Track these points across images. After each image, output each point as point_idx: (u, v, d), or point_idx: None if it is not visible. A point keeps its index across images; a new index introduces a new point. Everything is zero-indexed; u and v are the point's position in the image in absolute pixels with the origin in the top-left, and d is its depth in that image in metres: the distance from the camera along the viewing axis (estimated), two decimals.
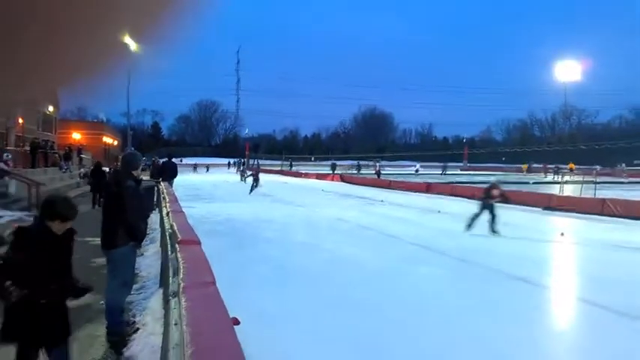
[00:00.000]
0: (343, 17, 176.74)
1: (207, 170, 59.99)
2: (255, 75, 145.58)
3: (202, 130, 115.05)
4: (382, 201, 21.02)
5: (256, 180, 24.29)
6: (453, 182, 30.81)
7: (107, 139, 60.83)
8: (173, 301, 2.56)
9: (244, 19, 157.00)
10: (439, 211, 16.88)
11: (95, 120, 68.03)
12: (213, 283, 2.83)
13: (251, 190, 23.02)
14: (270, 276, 7.49)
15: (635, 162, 52.97)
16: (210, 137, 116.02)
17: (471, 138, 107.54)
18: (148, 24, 0.78)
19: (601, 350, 4.76)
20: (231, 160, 69.71)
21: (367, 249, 9.98)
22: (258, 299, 6.02)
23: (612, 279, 7.64)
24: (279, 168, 59.44)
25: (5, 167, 17.51)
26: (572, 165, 44.27)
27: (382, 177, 37.52)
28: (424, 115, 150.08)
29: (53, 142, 37.03)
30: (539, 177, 43.78)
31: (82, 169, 29.54)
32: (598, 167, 43.85)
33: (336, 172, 46.30)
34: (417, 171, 54.26)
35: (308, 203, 20.04)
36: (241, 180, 35.98)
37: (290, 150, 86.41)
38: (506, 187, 13.09)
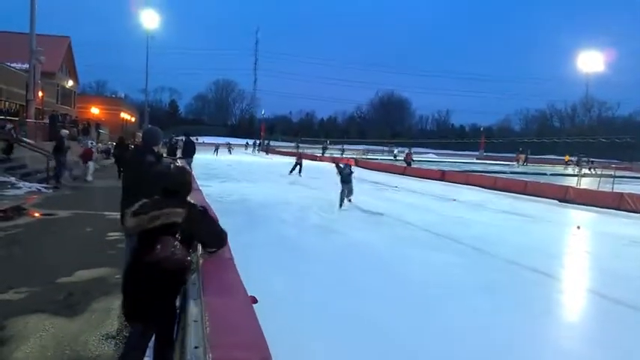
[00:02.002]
0: (360, 2, 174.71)
1: (230, 152, 51.92)
2: (273, 56, 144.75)
3: (219, 110, 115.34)
4: (396, 187, 20.95)
5: (299, 164, 25.12)
6: (468, 171, 30.59)
7: (125, 115, 61.20)
8: (192, 277, 2.59)
9: (264, 3, 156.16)
10: (454, 200, 16.79)
11: (113, 96, 68.51)
12: (231, 259, 2.87)
13: (292, 171, 24.60)
14: (284, 257, 7.55)
15: None
16: (227, 117, 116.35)
17: (488, 127, 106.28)
18: None
19: (612, 343, 4.77)
20: (249, 141, 69.88)
21: (379, 234, 9.99)
22: (269, 279, 6.07)
23: (626, 274, 7.60)
24: (293, 150, 59.42)
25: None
26: (567, 157, 43.85)
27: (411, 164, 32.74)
28: (442, 101, 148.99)
29: (72, 116, 37.41)
30: (542, 168, 42.95)
31: (99, 144, 29.79)
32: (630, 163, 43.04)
33: (327, 153, 46.60)
34: (395, 156, 52.80)
35: (322, 187, 20.05)
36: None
37: (306, 133, 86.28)
38: (523, 177, 12.87)
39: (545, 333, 5.04)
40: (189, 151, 17.17)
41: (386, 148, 74.68)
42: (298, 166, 25.14)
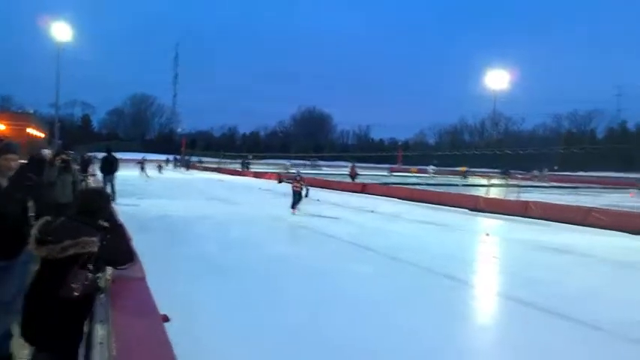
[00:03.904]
0: (285, 16, 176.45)
1: (160, 171, 42.38)
2: (194, 70, 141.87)
3: (136, 125, 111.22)
4: (318, 200, 21.16)
5: (298, 193, 15.69)
6: (387, 183, 31.53)
7: (33, 131, 57.35)
8: (99, 297, 2.49)
9: (183, 13, 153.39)
10: (372, 211, 17.24)
11: (21, 111, 64.05)
12: (143, 278, 2.78)
13: (294, 204, 15.42)
14: (205, 273, 7.39)
15: (555, 167, 56.46)
16: (144, 132, 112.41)
17: (405, 141, 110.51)
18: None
19: (521, 343, 5.02)
20: (170, 157, 67.88)
21: (303, 247, 10.07)
22: (191, 296, 5.93)
23: (533, 277, 8.08)
24: (215, 166, 58.48)
25: None
26: (463, 168, 46.97)
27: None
28: (362, 117, 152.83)
29: None
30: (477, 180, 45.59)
31: None
32: (536, 172, 46.58)
33: (251, 169, 46.66)
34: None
35: (245, 201, 19.89)
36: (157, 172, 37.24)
37: (228, 148, 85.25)
38: (436, 189, 13.55)
39: (458, 335, 5.27)
40: (111, 168, 16.36)
41: (308, 162, 75.40)
42: (299, 196, 15.74)
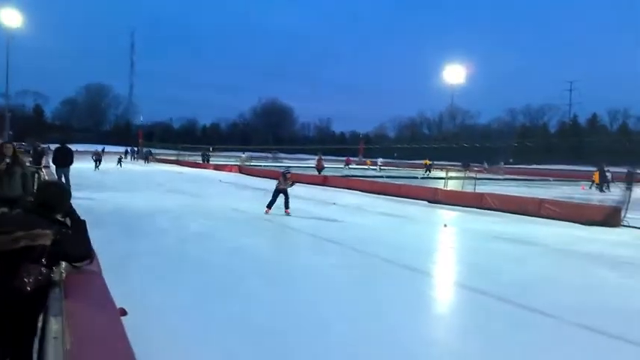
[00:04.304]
0: (245, 7, 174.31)
1: (120, 163, 39.94)
2: (151, 60, 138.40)
3: (91, 116, 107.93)
4: None
5: (284, 192, 13.81)
6: (349, 176, 31.76)
7: None
8: (54, 291, 2.41)
9: (141, 1, 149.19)
10: (334, 203, 17.34)
11: None
12: (99, 273, 2.71)
13: (270, 205, 13.63)
14: (163, 266, 7.27)
15: (510, 160, 58.21)
16: (100, 123, 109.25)
17: (366, 134, 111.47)
18: None
19: (478, 331, 5.16)
20: (128, 149, 66.18)
21: (264, 239, 10.03)
22: (148, 290, 5.83)
23: (489, 266, 8.34)
24: (174, 158, 57.46)
25: None
26: (426, 161, 48.06)
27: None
28: (323, 109, 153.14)
29: None
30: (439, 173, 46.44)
31: None
32: (486, 164, 47.93)
33: (211, 161, 45.94)
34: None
35: (205, 194, 19.64)
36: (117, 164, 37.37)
37: (188, 140, 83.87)
38: (397, 182, 13.77)
39: (416, 325, 5.35)
40: (65, 161, 15.76)
41: (270, 155, 75.11)
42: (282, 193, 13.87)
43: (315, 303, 5.86)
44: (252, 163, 49.55)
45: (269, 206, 13.52)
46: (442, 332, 5.35)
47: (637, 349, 4.72)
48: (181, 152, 64.31)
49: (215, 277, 6.85)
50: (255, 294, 6.08)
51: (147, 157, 57.11)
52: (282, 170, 14.94)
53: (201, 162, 47.82)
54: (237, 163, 42.80)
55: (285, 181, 13.90)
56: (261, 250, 8.91)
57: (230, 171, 38.79)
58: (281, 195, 13.64)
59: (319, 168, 32.56)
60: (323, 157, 37.67)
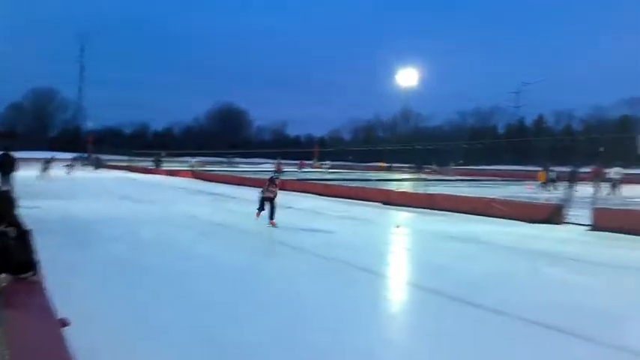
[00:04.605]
0: (198, 10, 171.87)
1: (69, 170, 37.35)
2: (101, 63, 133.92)
3: (37, 121, 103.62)
4: (236, 198, 20.97)
5: (269, 200, 12.44)
6: (305, 179, 31.81)
7: None
8: None
9: (90, 2, 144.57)
10: (290, 207, 17.32)
11: None
12: (41, 282, 2.64)
13: (260, 210, 12.67)
14: (112, 275, 7.07)
15: (460, 161, 59.84)
16: (47, 129, 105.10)
17: (321, 137, 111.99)
18: None
19: (432, 331, 5.27)
20: (76, 155, 63.82)
21: (218, 245, 9.92)
22: (95, 300, 5.67)
23: (441, 266, 8.53)
24: (125, 164, 55.96)
25: None
26: (381, 164, 48.89)
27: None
28: (278, 113, 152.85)
29: None
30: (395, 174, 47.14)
31: None
32: (435, 166, 49.10)
33: (162, 167, 45.11)
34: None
35: (158, 200, 19.25)
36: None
37: (139, 145, 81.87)
38: (351, 184, 14.00)
39: (371, 326, 5.42)
40: (9, 168, 15.11)
41: (225, 159, 74.20)
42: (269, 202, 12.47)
43: (276, 308, 5.85)
44: (206, 168, 48.84)
45: (259, 210, 12.49)
46: (398, 332, 5.44)
47: (584, 342, 4.92)
48: (133, 158, 62.72)
49: (167, 285, 6.70)
50: (213, 302, 5.99)
51: (97, 164, 55.34)
52: (270, 176, 13.13)
53: (153, 167, 46.77)
54: (191, 169, 42.15)
55: (272, 187, 12.48)
56: (217, 257, 8.79)
57: (184, 176, 38.14)
58: (267, 203, 12.29)
59: (278, 171, 32.60)
60: (277, 161, 37.62)
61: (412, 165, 47.05)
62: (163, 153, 59.11)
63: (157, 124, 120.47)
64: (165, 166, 47.21)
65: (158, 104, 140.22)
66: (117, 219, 13.04)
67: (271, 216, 12.14)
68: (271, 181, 12.62)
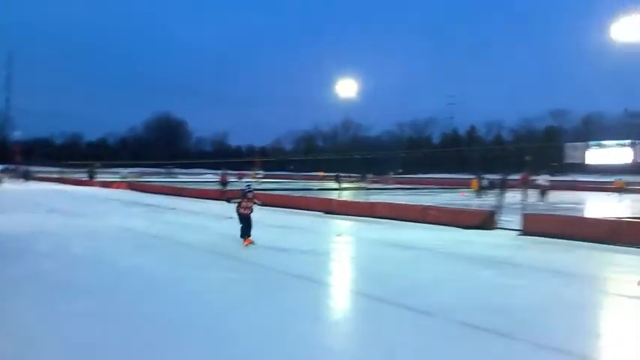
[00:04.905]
0: (135, 18, 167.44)
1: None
2: (31, 72, 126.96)
3: None
4: (174, 208, 20.47)
5: (247, 217, 11.17)
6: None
7: None
8: None
9: (18, 11, 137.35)
10: (231, 217, 17.10)
11: None
12: None
13: (246, 232, 11.03)
14: (41, 292, 6.71)
15: (399, 170, 61.39)
16: None
17: (262, 147, 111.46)
18: None
19: (375, 338, 5.29)
20: (3, 167, 60.01)
21: (155, 258, 9.62)
22: (22, 318, 5.37)
23: (382, 273, 8.66)
24: (56, 175, 53.32)
25: None
26: (321, 173, 49.42)
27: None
28: (218, 124, 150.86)
29: None
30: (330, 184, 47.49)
31: None
32: (370, 176, 50.00)
33: (97, 178, 43.31)
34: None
35: (91, 213, 18.47)
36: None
37: (72, 156, 78.29)
38: (293, 194, 14.01)
39: (313, 334, 5.41)
40: None
41: (163, 170, 72.30)
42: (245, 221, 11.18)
43: (215, 319, 5.75)
44: (141, 179, 47.38)
45: (244, 235, 10.84)
46: (337, 339, 5.42)
47: (509, 341, 5.15)
48: (65, 169, 59.89)
49: (101, 301, 6.40)
50: (150, 315, 5.81)
51: (26, 175, 52.34)
52: (242, 188, 11.07)
53: (87, 179, 44.82)
54: (125, 180, 40.78)
55: (246, 203, 10.90)
56: (153, 270, 8.53)
57: (119, 188, 36.85)
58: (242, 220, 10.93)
59: (224, 182, 31.83)
60: (218, 172, 36.93)
61: (356, 175, 47.62)
62: (97, 164, 56.95)
63: (91, 135, 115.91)
64: (100, 178, 45.40)
65: (91, 115, 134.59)
66: (46, 233, 12.39)
67: (244, 233, 10.82)
68: (244, 195, 11.03)
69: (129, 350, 4.66)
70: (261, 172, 56.13)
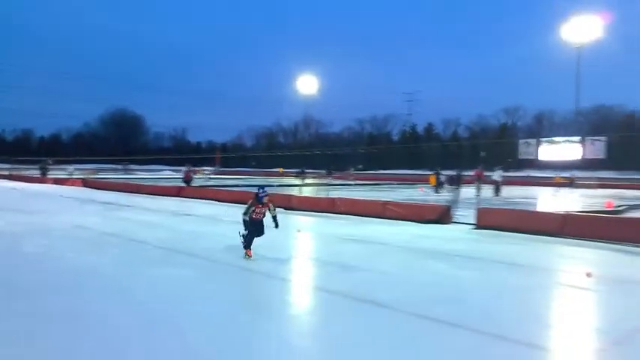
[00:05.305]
0: (90, 10, 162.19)
1: None
2: None
3: None
4: (130, 206, 20.02)
5: (259, 222, 9.52)
6: (204, 186, 31.12)
7: None
8: None
9: None
10: (189, 214, 16.91)
11: None
12: None
13: (248, 242, 9.32)
14: None
15: (360, 166, 61.96)
16: None
17: (223, 143, 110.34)
18: None
19: (338, 334, 5.32)
20: None
21: (110, 256, 9.41)
22: None
23: (345, 267, 8.77)
24: (7, 172, 51.21)
25: None
26: (281, 170, 49.47)
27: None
28: (178, 119, 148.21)
29: None
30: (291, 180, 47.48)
31: None
32: (324, 172, 50.36)
33: (50, 175, 41.60)
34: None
35: (43, 210, 17.83)
36: None
37: (23, 152, 75.43)
38: (254, 190, 13.83)
39: (275, 331, 5.38)
40: None
41: (120, 166, 70.56)
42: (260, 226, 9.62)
43: (173, 316, 5.70)
44: (96, 176, 46.07)
45: (247, 246, 9.29)
46: (298, 336, 5.41)
47: (470, 333, 5.31)
48: (15, 166, 57.62)
49: (53, 302, 6.20)
50: (107, 315, 5.68)
51: None
52: (256, 192, 9.34)
53: (39, 176, 43.21)
54: (81, 176, 39.55)
55: (260, 209, 9.33)
56: (109, 268, 8.33)
57: (73, 185, 35.74)
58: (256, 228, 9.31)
59: (187, 179, 30.99)
60: (177, 168, 36.22)
61: (319, 171, 47.75)
62: (50, 160, 54.91)
63: (43, 131, 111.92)
64: (53, 174, 43.85)
65: (43, 110, 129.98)
66: None
67: (249, 243, 9.30)
68: (258, 200, 9.28)
69: (70, 350, 4.57)
70: (209, 168, 55.32)
